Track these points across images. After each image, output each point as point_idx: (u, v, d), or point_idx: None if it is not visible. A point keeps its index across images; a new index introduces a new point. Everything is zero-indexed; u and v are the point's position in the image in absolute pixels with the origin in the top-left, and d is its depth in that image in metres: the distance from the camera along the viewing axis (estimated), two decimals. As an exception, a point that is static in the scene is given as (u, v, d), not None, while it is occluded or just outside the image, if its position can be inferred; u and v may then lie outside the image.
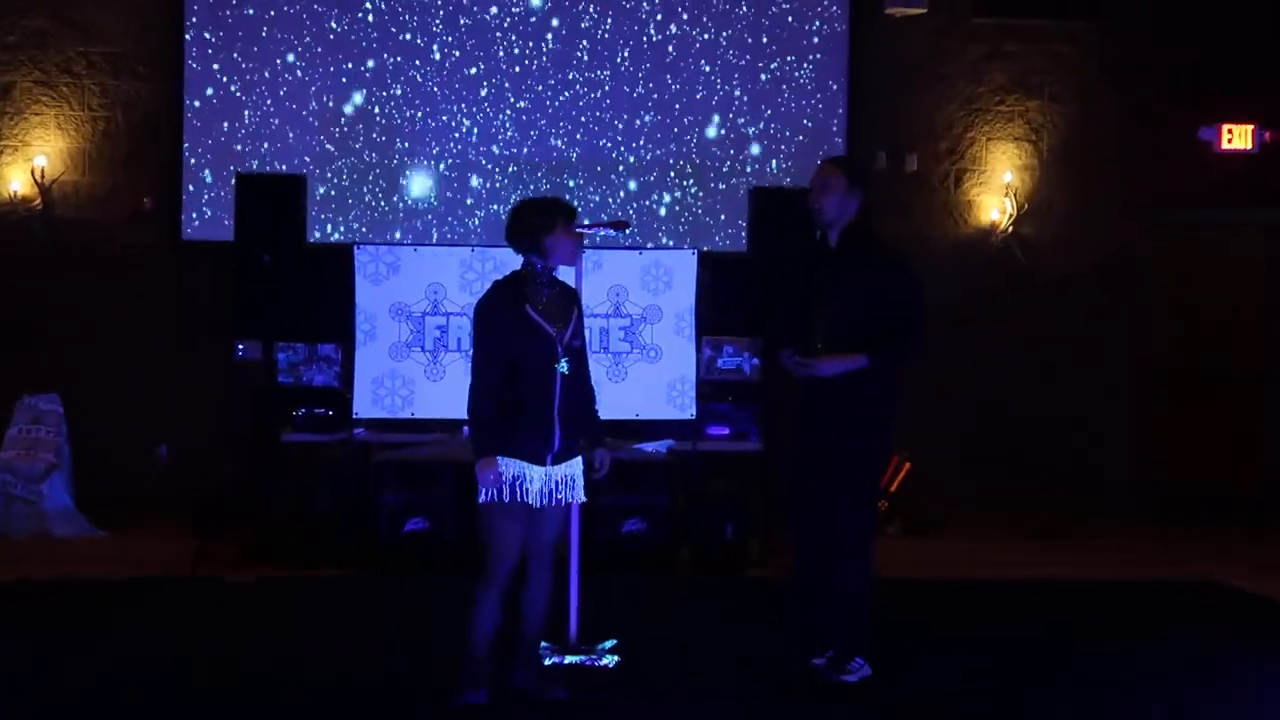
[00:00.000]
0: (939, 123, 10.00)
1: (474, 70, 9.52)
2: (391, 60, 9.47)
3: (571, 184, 9.53)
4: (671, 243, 9.49)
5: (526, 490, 5.11)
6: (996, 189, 9.97)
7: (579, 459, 5.28)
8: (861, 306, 5.47)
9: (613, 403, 8.03)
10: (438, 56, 9.49)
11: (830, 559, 5.54)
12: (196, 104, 9.37)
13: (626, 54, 9.59)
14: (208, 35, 9.37)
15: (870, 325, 5.46)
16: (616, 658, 5.85)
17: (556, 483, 5.17)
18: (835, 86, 9.74)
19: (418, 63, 9.49)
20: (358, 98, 9.45)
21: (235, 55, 9.38)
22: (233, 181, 8.76)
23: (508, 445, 5.12)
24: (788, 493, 5.76)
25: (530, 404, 5.12)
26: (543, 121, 9.56)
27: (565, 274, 5.67)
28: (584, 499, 5.33)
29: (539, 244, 5.16)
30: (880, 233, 5.76)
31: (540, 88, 9.55)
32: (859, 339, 5.45)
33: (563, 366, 5.14)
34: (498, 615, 5.19)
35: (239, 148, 9.38)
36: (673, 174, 9.61)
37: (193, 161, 9.38)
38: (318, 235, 9.27)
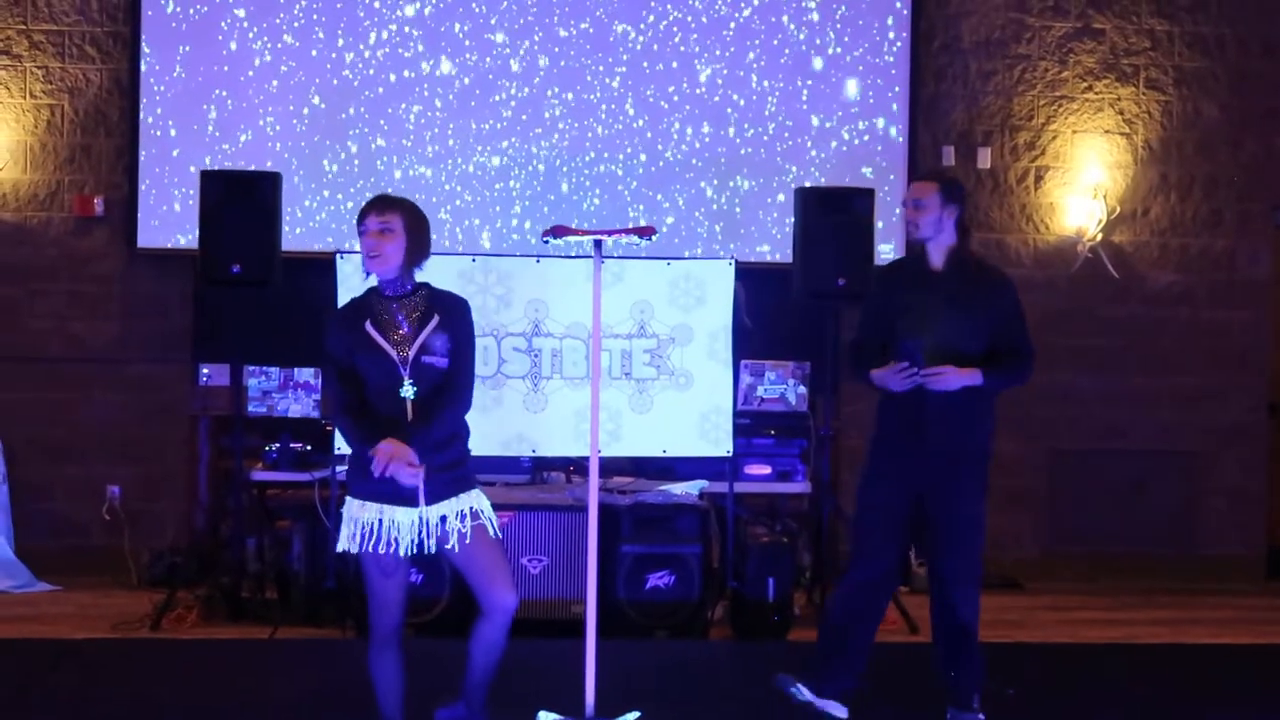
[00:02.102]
0: (1017, 113, 10.09)
1: (481, 58, 9.64)
2: (386, 43, 9.60)
3: (590, 185, 9.64)
4: (704, 251, 9.59)
5: (392, 539, 5.17)
6: (1084, 190, 10.05)
7: (472, 493, 5.30)
8: (972, 329, 6.01)
9: (636, 437, 8.13)
10: (440, 40, 9.62)
11: (956, 595, 6.11)
12: (155, 91, 9.51)
13: (651, 38, 9.71)
14: (169, 10, 9.50)
15: (981, 348, 6.01)
16: (640, 732, 5.93)
17: (441, 522, 5.20)
18: (895, 69, 9.84)
19: (417, 48, 9.62)
20: (344, 85, 9.58)
21: (201, 34, 9.52)
22: (195, 179, 8.85)
23: (364, 488, 5.20)
24: (864, 524, 6.15)
25: (382, 438, 5.14)
26: (559, 115, 9.67)
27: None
28: (498, 535, 5.33)
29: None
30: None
31: (558, 73, 9.66)
32: (971, 361, 5.98)
33: (406, 391, 5.17)
34: (393, 674, 5.31)
35: (205, 141, 9.51)
36: (706, 173, 9.71)
37: (150, 157, 9.50)
38: (298, 243, 9.37)
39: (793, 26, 9.75)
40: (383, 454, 5.04)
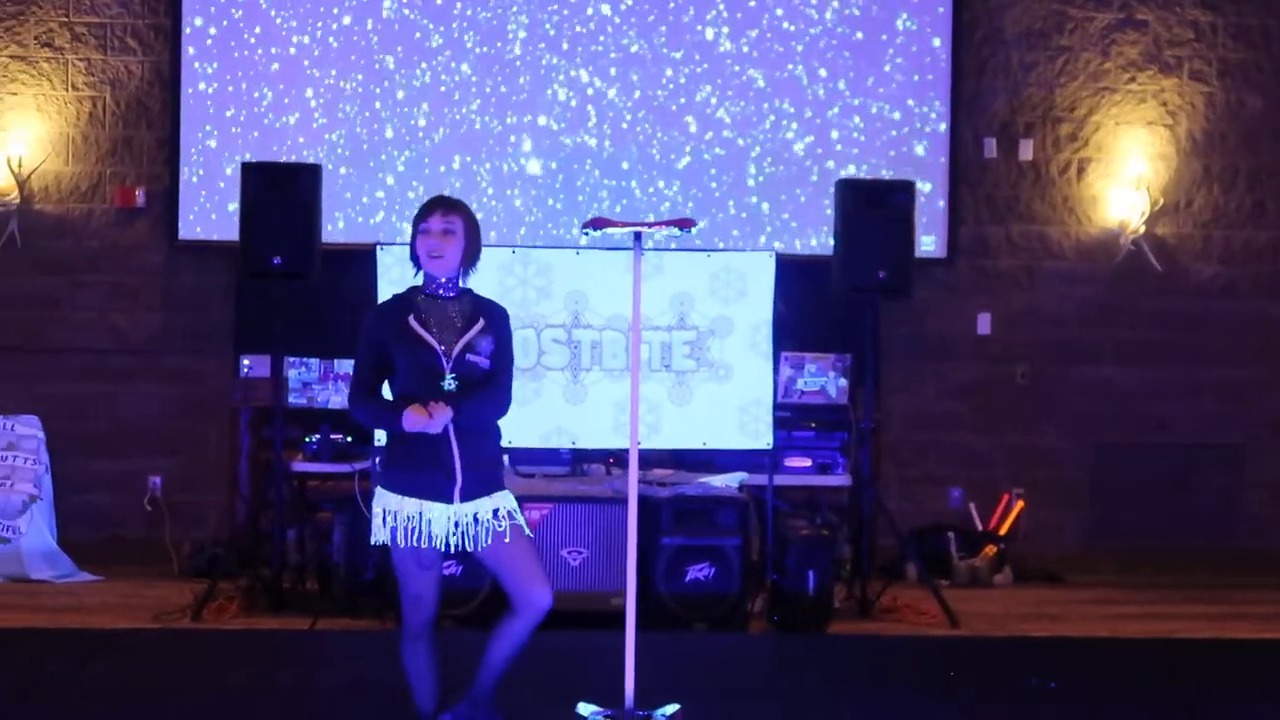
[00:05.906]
0: (1059, 104, 10.04)
1: (520, 45, 9.65)
2: (425, 32, 9.61)
3: (631, 174, 9.64)
4: (745, 242, 9.58)
5: (427, 534, 5.16)
6: (1126, 181, 9.99)
7: (504, 494, 5.29)
8: None
9: (676, 429, 8.14)
10: (481, 33, 9.63)
11: None
12: (196, 83, 9.55)
13: (692, 30, 9.70)
14: (210, 2, 9.52)
15: None
16: (679, 725, 5.93)
17: (474, 521, 5.19)
18: (936, 60, 9.80)
19: (456, 35, 9.63)
20: (386, 77, 9.60)
21: (241, 26, 9.55)
22: (236, 172, 8.88)
23: (400, 481, 5.20)
24: None
25: (420, 432, 5.12)
26: (601, 103, 9.67)
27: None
28: (530, 535, 5.33)
29: (411, 251, 5.32)
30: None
31: (597, 65, 9.67)
32: None
33: (449, 384, 5.16)
34: (425, 666, 5.32)
35: (245, 133, 9.55)
36: (747, 164, 9.70)
37: (192, 149, 9.54)
38: (338, 235, 9.39)
39: (833, 18, 9.73)
40: (415, 408, 5.06)
